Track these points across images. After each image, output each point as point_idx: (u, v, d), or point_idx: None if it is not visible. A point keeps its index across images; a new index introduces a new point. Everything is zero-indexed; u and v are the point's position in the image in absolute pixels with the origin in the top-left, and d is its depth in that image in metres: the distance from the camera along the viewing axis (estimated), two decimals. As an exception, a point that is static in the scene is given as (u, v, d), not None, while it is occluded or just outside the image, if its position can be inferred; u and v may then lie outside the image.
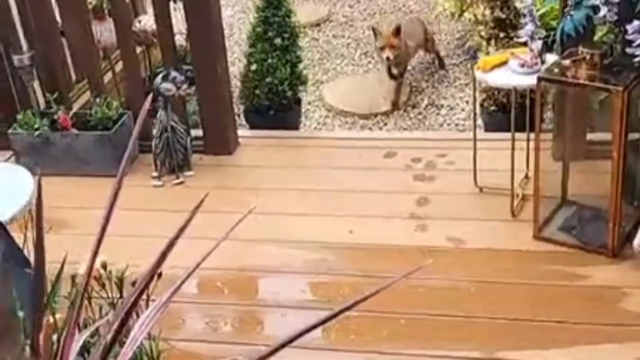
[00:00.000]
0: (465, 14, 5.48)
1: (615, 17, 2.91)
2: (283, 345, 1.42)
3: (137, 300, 1.56)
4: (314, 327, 1.42)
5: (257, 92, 4.79)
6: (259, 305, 3.28)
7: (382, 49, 5.27)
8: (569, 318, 2.94)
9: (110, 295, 2.28)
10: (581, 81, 3.07)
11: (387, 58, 5.24)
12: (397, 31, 5.24)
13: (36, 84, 4.35)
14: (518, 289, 3.14)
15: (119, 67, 4.75)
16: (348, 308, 1.44)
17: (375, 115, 5.29)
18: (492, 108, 4.57)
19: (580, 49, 3.09)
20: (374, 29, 5.44)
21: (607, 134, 3.13)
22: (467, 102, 5.23)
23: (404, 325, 3.01)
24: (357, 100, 5.47)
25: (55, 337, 1.68)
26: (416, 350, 2.90)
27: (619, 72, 3.05)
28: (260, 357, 1.42)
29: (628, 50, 2.94)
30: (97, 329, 1.79)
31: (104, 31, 4.72)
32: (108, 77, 4.78)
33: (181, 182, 4.10)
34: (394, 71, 5.40)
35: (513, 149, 3.49)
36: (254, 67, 4.77)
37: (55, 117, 4.18)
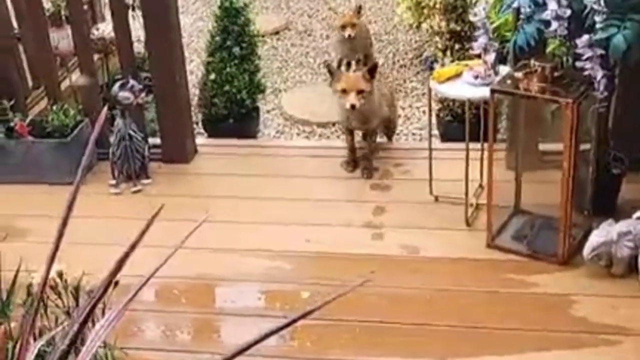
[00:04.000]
0: (423, 25, 5.56)
1: (566, 32, 2.98)
2: (236, 354, 1.44)
3: (93, 308, 1.57)
4: (267, 336, 1.44)
5: (215, 100, 4.81)
6: (215, 314, 3.29)
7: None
8: (521, 324, 3.00)
9: (66, 304, 2.28)
10: (532, 93, 3.14)
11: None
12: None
13: (-8, 91, 4.32)
14: (471, 297, 3.20)
15: (76, 74, 4.72)
16: (299, 318, 1.46)
17: (334, 124, 5.34)
18: (448, 118, 4.64)
19: (532, 61, 3.16)
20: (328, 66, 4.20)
21: (559, 144, 3.20)
22: (423, 112, 5.30)
23: (361, 332, 3.05)
24: (315, 109, 5.51)
25: (10, 345, 1.69)
26: (373, 357, 2.93)
27: (570, 84, 3.12)
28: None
29: (578, 63, 3.01)
30: (52, 338, 1.79)
31: (62, 38, 4.69)
32: (65, 84, 4.75)
33: (139, 190, 4.09)
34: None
35: (467, 159, 3.55)
36: (212, 76, 4.79)
37: (12, 124, 4.15)
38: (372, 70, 3.94)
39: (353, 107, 3.88)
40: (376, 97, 4.08)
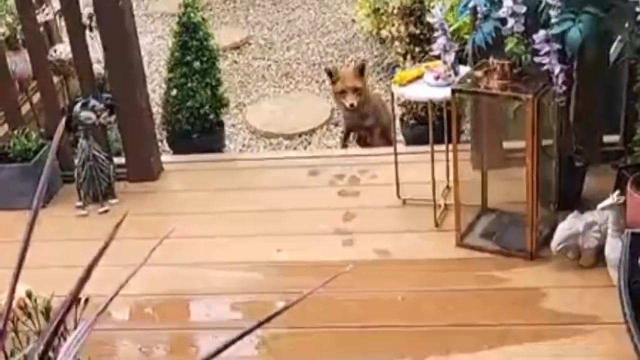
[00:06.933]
0: (383, 32, 5.60)
1: (522, 28, 3.01)
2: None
3: (59, 324, 1.56)
4: (227, 346, 1.44)
5: (178, 116, 4.81)
6: (191, 328, 3.27)
7: (342, 93, 4.52)
8: (493, 320, 3.01)
9: (36, 325, 2.26)
10: (493, 91, 3.17)
11: (351, 105, 4.50)
12: (361, 70, 4.51)
13: (-50, 118, 4.26)
14: (444, 296, 3.21)
15: (36, 97, 4.68)
16: (262, 323, 1.46)
17: (300, 135, 5.35)
18: (412, 122, 4.68)
19: (491, 59, 3.20)
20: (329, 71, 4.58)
21: (522, 141, 3.23)
22: (387, 117, 5.32)
23: (337, 338, 3.04)
24: (280, 121, 5.52)
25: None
26: (349, 361, 2.94)
27: (529, 80, 3.16)
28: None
29: (536, 59, 3.05)
30: (25, 357, 1.77)
31: (19, 62, 4.65)
32: (26, 108, 4.71)
33: (106, 211, 4.06)
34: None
35: (433, 160, 3.58)
36: (174, 92, 4.78)
37: (-28, 150, 4.10)
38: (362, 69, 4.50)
39: (352, 106, 4.47)
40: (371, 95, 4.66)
